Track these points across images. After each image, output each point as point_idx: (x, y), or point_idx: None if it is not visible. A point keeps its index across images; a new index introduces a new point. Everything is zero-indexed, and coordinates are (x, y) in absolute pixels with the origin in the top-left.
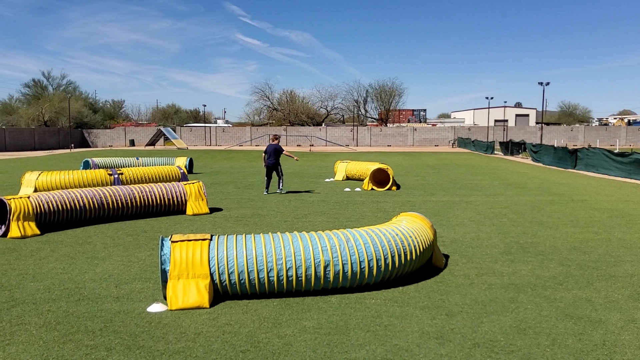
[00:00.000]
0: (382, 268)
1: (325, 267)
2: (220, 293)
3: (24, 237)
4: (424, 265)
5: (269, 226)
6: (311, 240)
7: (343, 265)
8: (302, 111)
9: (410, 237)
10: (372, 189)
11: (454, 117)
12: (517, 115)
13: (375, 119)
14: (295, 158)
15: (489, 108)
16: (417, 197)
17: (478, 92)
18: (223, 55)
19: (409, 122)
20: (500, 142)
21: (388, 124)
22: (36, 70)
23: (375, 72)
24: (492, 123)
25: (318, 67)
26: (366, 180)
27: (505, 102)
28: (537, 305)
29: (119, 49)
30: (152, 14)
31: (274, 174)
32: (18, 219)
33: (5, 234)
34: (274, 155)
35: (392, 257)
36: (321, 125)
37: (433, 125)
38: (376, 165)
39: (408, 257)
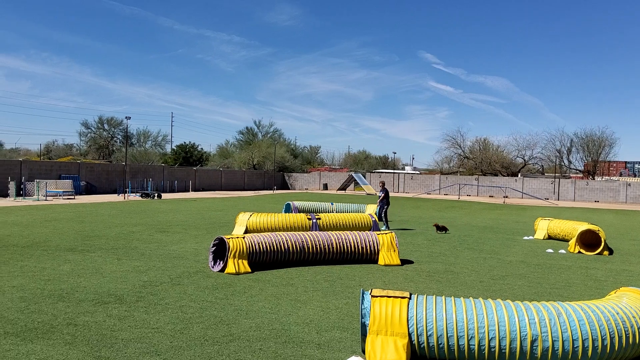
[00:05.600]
0: (599, 350)
1: (533, 342)
2: (417, 354)
3: (237, 273)
4: None
5: (463, 285)
6: (517, 310)
7: (553, 342)
8: (495, 160)
9: (634, 317)
10: (580, 252)
11: None
12: None
13: (580, 170)
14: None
15: None
16: (635, 265)
17: None
18: (414, 102)
19: (620, 175)
20: None
21: (595, 177)
22: (249, 119)
23: (582, 119)
24: None
25: (514, 114)
26: (572, 242)
27: None
28: None
29: (318, 98)
30: (350, 65)
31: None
32: (234, 257)
33: (223, 269)
34: (387, 197)
35: (612, 338)
36: (517, 175)
37: None
38: (585, 226)
39: (630, 340)
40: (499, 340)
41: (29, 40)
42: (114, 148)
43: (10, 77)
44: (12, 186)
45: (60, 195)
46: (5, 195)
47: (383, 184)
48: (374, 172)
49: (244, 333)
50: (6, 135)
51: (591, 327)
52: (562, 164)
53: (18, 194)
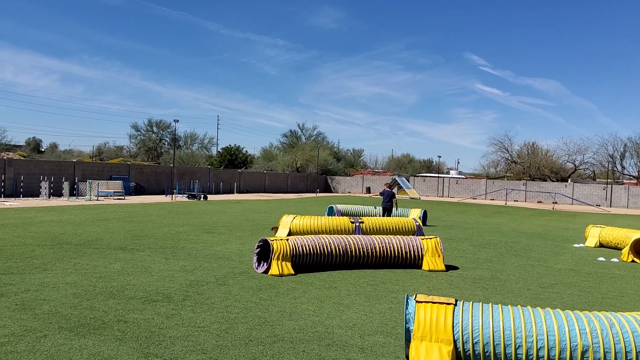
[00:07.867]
0: None
1: (583, 352)
2: None
3: (281, 275)
4: None
5: (510, 293)
6: (567, 319)
7: (605, 353)
8: (544, 165)
9: None
10: (633, 261)
11: None
12: None
13: (633, 176)
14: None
15: None
16: None
17: None
18: (459, 105)
19: None
20: None
21: None
22: (292, 122)
23: (636, 123)
24: None
25: (565, 117)
26: (625, 250)
27: None
28: None
29: (361, 101)
30: (394, 68)
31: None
32: (278, 259)
33: (266, 271)
34: (389, 198)
35: None
36: (567, 181)
37: None
38: (639, 234)
39: None
40: (548, 350)
41: (82, 45)
42: (162, 150)
43: (65, 81)
44: (66, 186)
45: (111, 196)
46: (60, 194)
47: (388, 185)
48: (418, 175)
49: (287, 334)
50: (60, 137)
51: None
52: (615, 169)
53: (71, 194)
